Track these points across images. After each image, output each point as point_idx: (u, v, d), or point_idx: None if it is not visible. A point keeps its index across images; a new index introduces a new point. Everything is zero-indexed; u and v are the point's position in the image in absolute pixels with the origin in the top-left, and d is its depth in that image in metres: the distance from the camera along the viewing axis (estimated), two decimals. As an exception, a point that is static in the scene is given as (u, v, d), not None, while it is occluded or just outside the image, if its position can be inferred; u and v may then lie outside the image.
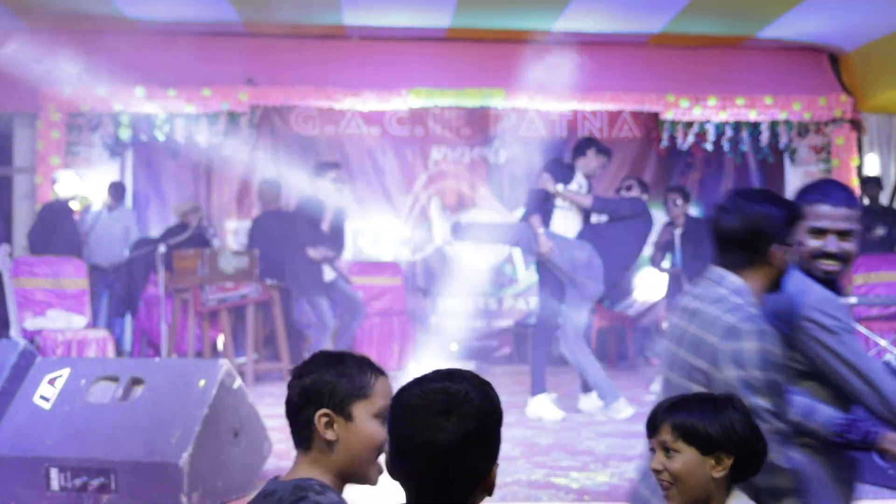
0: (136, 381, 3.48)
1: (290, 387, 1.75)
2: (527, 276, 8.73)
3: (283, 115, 8.58)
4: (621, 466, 4.05)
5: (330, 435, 1.70)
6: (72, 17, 8.02)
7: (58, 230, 7.39)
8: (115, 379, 3.50)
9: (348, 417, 1.71)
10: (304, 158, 8.61)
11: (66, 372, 3.57)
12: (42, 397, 3.49)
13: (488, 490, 1.48)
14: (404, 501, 1.50)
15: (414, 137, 8.74)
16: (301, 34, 8.62)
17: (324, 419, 1.70)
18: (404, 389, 1.51)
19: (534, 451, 4.33)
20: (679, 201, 7.36)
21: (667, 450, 1.79)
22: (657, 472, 1.81)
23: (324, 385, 1.72)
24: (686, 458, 1.76)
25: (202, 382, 3.37)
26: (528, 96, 8.57)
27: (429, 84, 8.49)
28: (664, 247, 7.46)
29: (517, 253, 8.56)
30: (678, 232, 7.34)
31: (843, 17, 7.92)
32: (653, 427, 1.84)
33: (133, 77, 8.21)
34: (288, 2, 7.77)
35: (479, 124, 8.81)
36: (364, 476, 1.75)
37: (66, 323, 6.59)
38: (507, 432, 4.72)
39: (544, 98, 8.59)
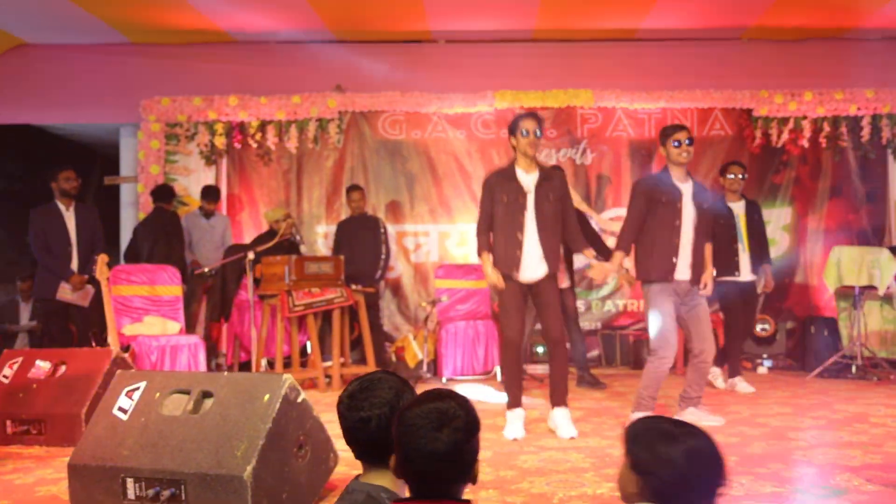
0: (206, 395, 3.60)
1: (370, 407, 2.10)
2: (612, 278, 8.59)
3: (370, 120, 8.71)
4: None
5: None
6: (165, 30, 8.37)
7: (160, 238, 7.71)
8: (186, 392, 3.64)
9: None
10: (391, 163, 8.75)
11: (143, 384, 3.73)
12: (120, 409, 3.66)
13: (473, 479, 1.86)
14: (409, 495, 1.86)
15: (500, 140, 8.72)
16: (387, 39, 8.74)
17: None
18: (406, 410, 1.85)
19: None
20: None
21: None
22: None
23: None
24: (624, 468, 1.93)
25: (266, 397, 3.47)
26: (615, 96, 8.45)
27: (514, 86, 8.48)
28: None
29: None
30: None
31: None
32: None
33: (227, 87, 8.53)
34: (373, 9, 7.91)
35: (565, 125, 8.72)
36: None
37: (161, 329, 6.85)
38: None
39: (632, 97, 8.44)
